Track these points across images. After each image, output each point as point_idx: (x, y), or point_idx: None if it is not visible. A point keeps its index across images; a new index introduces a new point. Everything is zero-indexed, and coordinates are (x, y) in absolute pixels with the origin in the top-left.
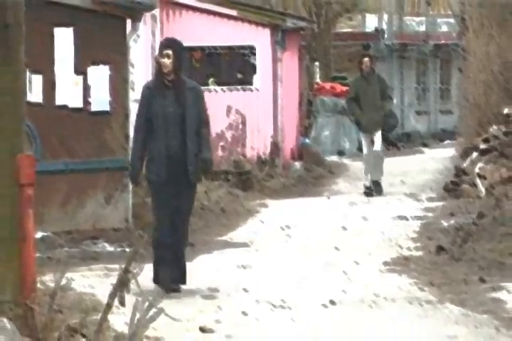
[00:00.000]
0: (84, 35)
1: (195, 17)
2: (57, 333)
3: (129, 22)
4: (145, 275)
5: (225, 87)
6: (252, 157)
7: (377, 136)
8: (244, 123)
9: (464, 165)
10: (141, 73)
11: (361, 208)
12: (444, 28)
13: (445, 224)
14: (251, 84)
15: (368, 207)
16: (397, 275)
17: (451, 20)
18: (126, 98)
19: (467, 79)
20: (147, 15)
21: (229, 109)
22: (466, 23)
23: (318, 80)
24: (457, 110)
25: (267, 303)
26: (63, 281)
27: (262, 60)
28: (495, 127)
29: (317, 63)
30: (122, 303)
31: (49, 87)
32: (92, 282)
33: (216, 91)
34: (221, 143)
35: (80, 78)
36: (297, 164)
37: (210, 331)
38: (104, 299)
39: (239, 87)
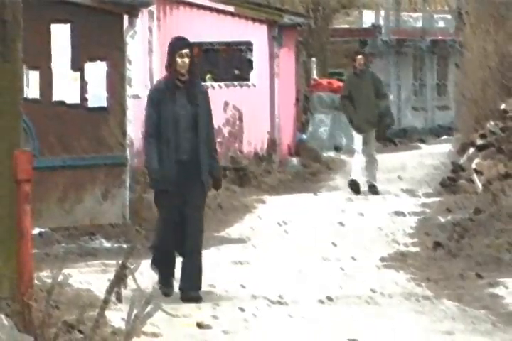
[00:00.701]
0: (81, 32)
1: (192, 13)
2: (54, 329)
3: (126, 18)
4: (141, 271)
5: (222, 83)
6: (249, 153)
7: (371, 138)
8: (241, 119)
9: (461, 160)
10: (138, 69)
11: (358, 204)
12: (441, 24)
13: (442, 219)
14: (248, 80)
15: (365, 202)
16: (394, 271)
17: (449, 16)
18: (124, 94)
19: (464, 75)
20: (144, 12)
21: (226, 105)
22: (463, 19)
23: (315, 76)
24: (454, 106)
25: (264, 299)
26: (60, 277)
27: (259, 56)
28: (492, 123)
29: (314, 59)
30: (119, 299)
31: (46, 84)
32: (89, 278)
33: (213, 87)
34: (218, 139)
35: (77, 74)
36: (294, 160)
37: (208, 327)
38: (101, 295)
39: (236, 83)
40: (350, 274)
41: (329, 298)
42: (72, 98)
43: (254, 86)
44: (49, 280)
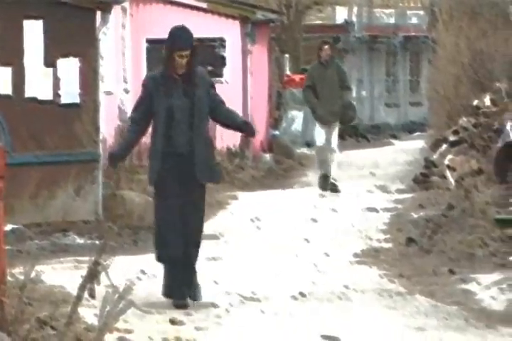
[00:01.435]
0: (53, 28)
1: (165, 9)
2: (27, 326)
3: (99, 14)
4: (114, 267)
5: None
6: (222, 149)
7: (334, 131)
8: None
9: (434, 156)
10: (111, 66)
11: (331, 200)
12: (414, 20)
13: (415, 215)
14: (221, 76)
15: (338, 198)
16: (367, 267)
17: (421, 13)
18: (97, 90)
19: (437, 71)
20: (117, 8)
21: None
22: (436, 15)
23: (288, 72)
24: (427, 102)
25: (237, 295)
26: (33, 274)
27: (232, 52)
28: (465, 119)
29: (287, 55)
30: (92, 295)
31: (19, 80)
32: (62, 274)
33: None
34: None
35: (50, 70)
36: (267, 156)
37: (181, 323)
38: (74, 291)
39: None
40: (323, 270)
41: (302, 294)
42: (45, 94)
43: (227, 82)
44: (22, 277)
